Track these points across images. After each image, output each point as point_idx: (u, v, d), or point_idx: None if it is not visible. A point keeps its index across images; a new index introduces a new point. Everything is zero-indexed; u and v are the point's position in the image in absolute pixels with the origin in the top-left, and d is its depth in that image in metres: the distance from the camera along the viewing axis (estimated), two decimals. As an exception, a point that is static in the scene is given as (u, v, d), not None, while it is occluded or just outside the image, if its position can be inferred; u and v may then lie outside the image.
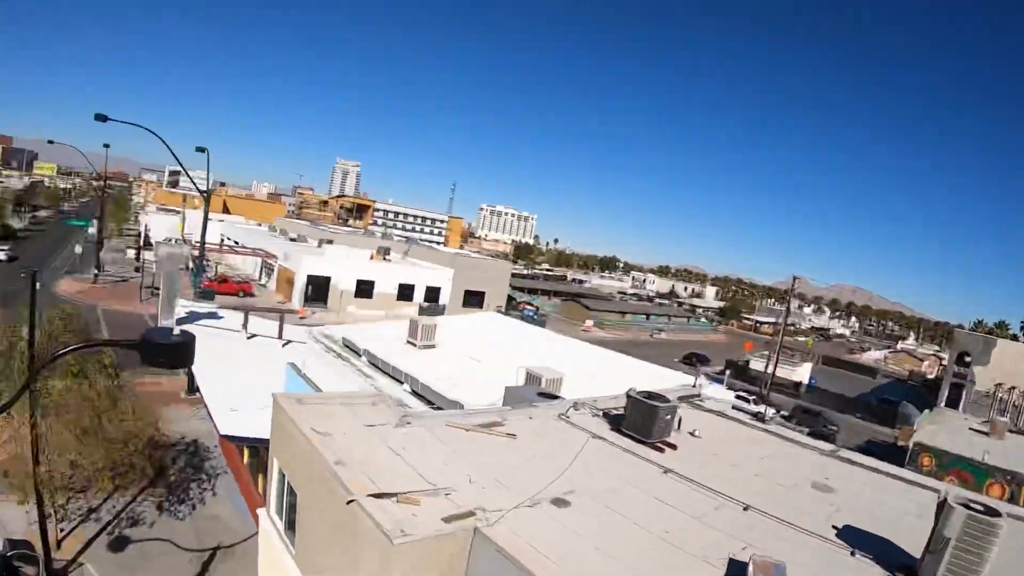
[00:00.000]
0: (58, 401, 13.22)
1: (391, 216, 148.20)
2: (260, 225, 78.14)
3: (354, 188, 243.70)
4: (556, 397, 13.12)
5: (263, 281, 57.17)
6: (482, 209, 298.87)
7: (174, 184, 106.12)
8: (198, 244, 41.65)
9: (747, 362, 51.27)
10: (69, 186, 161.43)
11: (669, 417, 9.93)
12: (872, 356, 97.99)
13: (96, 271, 46.67)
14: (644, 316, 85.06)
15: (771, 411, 14.99)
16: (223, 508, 16.38)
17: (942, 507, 6.34)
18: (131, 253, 62.65)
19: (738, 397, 25.24)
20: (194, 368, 16.46)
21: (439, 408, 15.69)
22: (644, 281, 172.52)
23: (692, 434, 10.98)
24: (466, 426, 9.60)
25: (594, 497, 7.81)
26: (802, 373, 49.73)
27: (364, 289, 48.63)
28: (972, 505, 6.25)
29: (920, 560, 6.58)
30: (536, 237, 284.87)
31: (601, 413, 10.90)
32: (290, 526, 8.83)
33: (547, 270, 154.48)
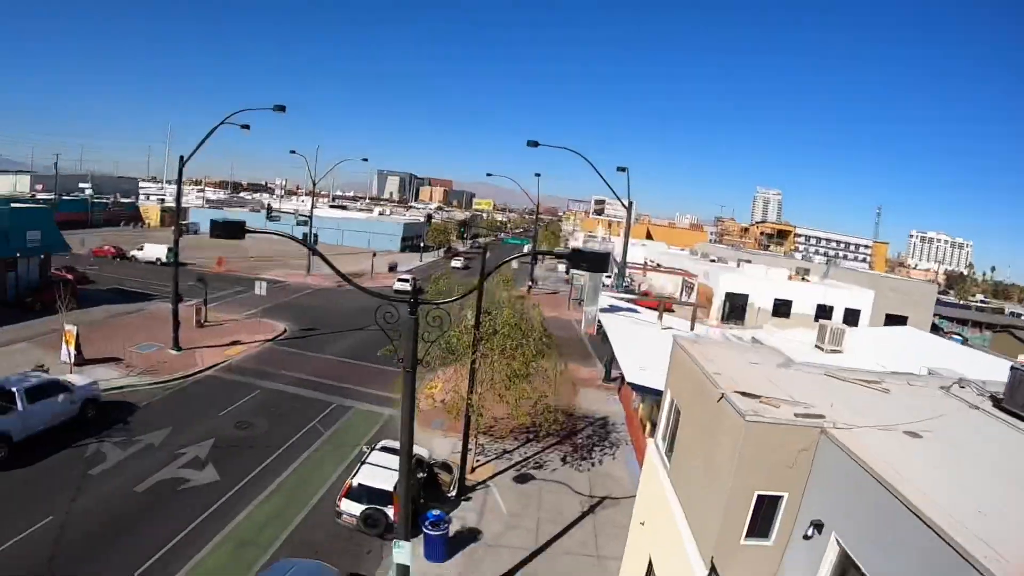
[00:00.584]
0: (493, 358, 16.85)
1: (812, 241, 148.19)
2: (682, 250, 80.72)
3: (776, 216, 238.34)
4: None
5: (683, 299, 62.27)
6: (912, 235, 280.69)
7: (599, 212, 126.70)
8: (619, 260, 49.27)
9: None
10: (504, 219, 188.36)
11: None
12: None
13: (530, 283, 59.63)
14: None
15: None
16: (619, 470, 19.91)
17: None
18: (561, 268, 77.42)
19: None
20: (612, 339, 20.60)
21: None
22: None
23: None
24: (845, 377, 10.41)
25: (952, 443, 7.83)
26: None
27: (781, 308, 49.22)
28: None
29: None
30: (971, 265, 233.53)
31: (988, 395, 9.95)
32: (670, 447, 11.35)
33: (981, 301, 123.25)
